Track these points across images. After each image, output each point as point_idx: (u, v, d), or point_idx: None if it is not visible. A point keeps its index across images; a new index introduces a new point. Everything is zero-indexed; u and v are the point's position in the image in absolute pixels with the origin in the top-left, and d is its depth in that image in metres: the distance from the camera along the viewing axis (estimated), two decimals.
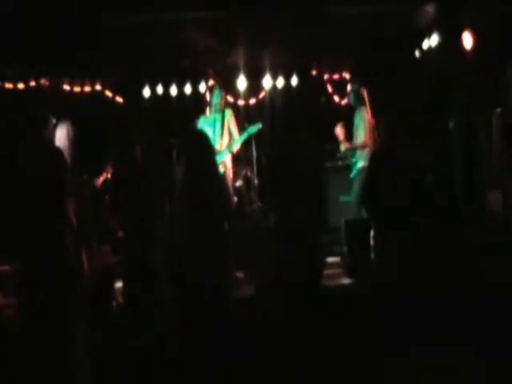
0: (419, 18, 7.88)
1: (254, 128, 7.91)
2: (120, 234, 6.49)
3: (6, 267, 6.53)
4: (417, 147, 7.74)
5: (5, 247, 6.32)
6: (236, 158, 8.24)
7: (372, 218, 5.97)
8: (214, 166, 5.57)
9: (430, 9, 7.62)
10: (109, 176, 6.68)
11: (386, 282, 5.41)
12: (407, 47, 8.49)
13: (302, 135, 5.68)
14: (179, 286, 5.39)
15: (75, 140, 6.40)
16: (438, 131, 8.04)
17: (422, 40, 8.17)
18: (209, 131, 7.29)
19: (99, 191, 6.80)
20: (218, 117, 7.89)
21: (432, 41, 7.98)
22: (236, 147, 7.90)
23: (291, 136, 5.78)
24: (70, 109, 7.76)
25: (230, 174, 7.87)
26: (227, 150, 7.78)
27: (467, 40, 7.23)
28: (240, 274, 7.11)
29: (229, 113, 7.97)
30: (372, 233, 6.07)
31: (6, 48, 7.45)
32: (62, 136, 6.32)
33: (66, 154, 6.22)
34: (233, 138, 7.90)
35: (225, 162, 7.75)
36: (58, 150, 5.38)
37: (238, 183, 8.22)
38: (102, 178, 6.74)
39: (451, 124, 8.13)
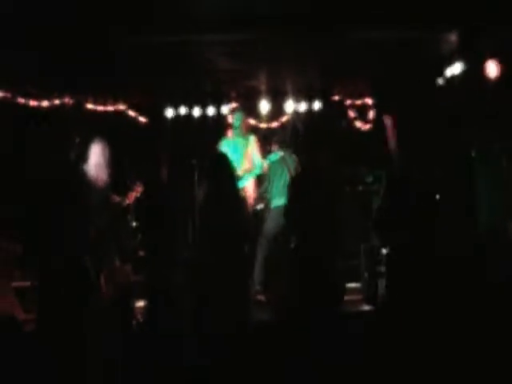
0: (442, 46, 7.87)
1: (275, 156, 7.95)
2: (141, 253, 6.55)
3: (27, 283, 6.57)
4: (437, 174, 7.79)
5: (26, 262, 6.39)
6: (258, 182, 8.25)
7: (384, 244, 5.95)
8: (235, 189, 5.61)
9: (453, 36, 7.62)
10: (138, 195, 6.72)
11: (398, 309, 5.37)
12: (430, 74, 8.49)
13: (322, 159, 5.70)
14: (200, 306, 5.39)
15: (109, 159, 6.49)
16: (459, 158, 8.01)
17: (445, 67, 8.17)
18: (231, 154, 7.34)
19: (124, 210, 6.84)
20: (241, 141, 7.95)
21: (455, 68, 7.98)
22: (258, 172, 7.95)
23: (312, 160, 5.81)
24: (94, 127, 7.86)
25: (251, 198, 7.89)
26: (249, 175, 7.81)
27: (491, 68, 7.23)
28: (261, 297, 7.11)
29: (253, 139, 8.03)
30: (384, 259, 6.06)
31: (30, 65, 7.57)
32: (96, 154, 6.41)
33: (100, 172, 6.34)
34: (254, 163, 7.94)
35: (246, 187, 7.78)
36: (83, 169, 5.44)
37: (260, 206, 8.22)
38: (132, 197, 6.78)
39: (473, 151, 8.11)
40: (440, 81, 8.44)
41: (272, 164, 7.99)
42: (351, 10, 6.64)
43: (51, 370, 4.90)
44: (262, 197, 8.17)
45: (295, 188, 5.79)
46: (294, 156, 8.05)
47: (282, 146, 8.15)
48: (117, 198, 6.75)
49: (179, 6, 6.62)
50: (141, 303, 6.32)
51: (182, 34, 7.25)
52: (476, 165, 8.00)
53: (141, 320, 6.32)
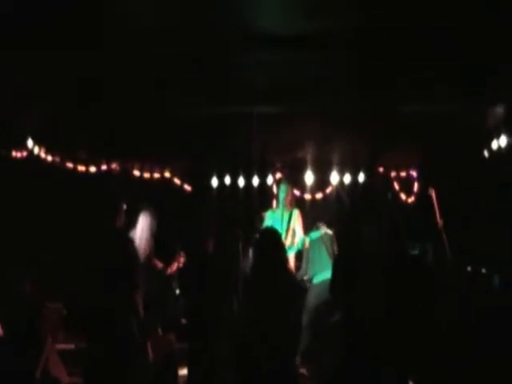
0: (488, 118, 7.88)
1: (316, 234, 7.97)
2: (184, 321, 6.52)
3: (72, 346, 6.58)
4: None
5: (72, 326, 6.42)
6: (298, 256, 8.23)
7: None
8: (284, 260, 5.60)
9: (499, 109, 7.62)
10: (180, 264, 6.75)
11: None
12: (476, 147, 8.48)
13: (368, 233, 5.69)
14: (244, 379, 5.31)
15: (154, 227, 6.57)
16: (506, 233, 7.89)
17: (491, 140, 8.15)
18: (276, 226, 7.37)
19: (168, 278, 6.85)
20: (285, 214, 7.97)
21: (501, 141, 7.96)
22: (300, 248, 7.96)
23: (358, 234, 5.80)
24: (140, 194, 7.97)
25: (293, 270, 7.86)
26: (290, 249, 7.80)
27: None
28: (303, 371, 6.99)
29: (296, 213, 8.06)
30: None
31: (81, 131, 7.76)
32: (144, 223, 6.49)
33: (146, 242, 6.41)
34: (296, 238, 7.95)
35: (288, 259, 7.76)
36: (129, 239, 5.50)
37: (305, 277, 8.21)
38: (174, 266, 6.80)
39: None
40: (486, 153, 8.42)
41: (313, 241, 8.00)
42: (401, 83, 6.70)
43: None
44: (302, 273, 8.18)
45: (341, 263, 5.77)
46: (329, 232, 8.09)
47: (322, 223, 8.19)
48: (160, 265, 6.78)
49: (230, 77, 6.77)
50: (184, 371, 6.26)
51: (231, 105, 7.39)
52: None
53: None
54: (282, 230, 7.78)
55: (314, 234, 7.99)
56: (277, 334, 5.20)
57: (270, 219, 7.96)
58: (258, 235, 5.87)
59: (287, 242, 7.84)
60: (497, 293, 7.62)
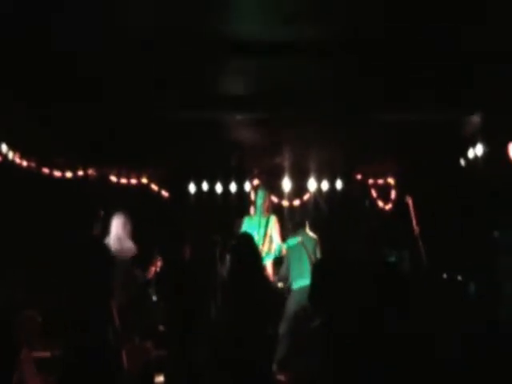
0: (465, 127, 7.94)
1: (294, 241, 7.95)
2: (161, 328, 6.49)
3: (47, 353, 6.51)
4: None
5: (48, 333, 6.35)
6: (275, 264, 8.22)
7: None
8: (261, 267, 5.61)
9: (475, 118, 7.69)
10: (158, 268, 6.72)
11: None
12: (452, 155, 8.54)
13: (346, 240, 5.72)
14: None
15: (131, 232, 6.57)
16: (482, 241, 7.95)
17: (468, 149, 8.22)
18: (252, 234, 7.37)
19: (145, 284, 6.82)
20: (263, 221, 7.94)
21: (477, 150, 8.02)
22: (277, 255, 7.93)
23: (336, 241, 5.83)
24: (116, 200, 7.93)
25: (270, 277, 7.84)
26: (267, 256, 7.78)
27: None
28: (281, 377, 6.99)
29: (273, 219, 8.02)
30: None
31: (56, 136, 7.70)
32: (118, 227, 6.50)
33: (121, 244, 6.40)
34: (274, 243, 7.94)
35: (265, 266, 7.74)
36: (105, 246, 5.47)
37: (280, 285, 8.20)
38: (152, 271, 6.78)
39: (496, 233, 8.05)
40: (462, 162, 8.48)
41: (291, 248, 7.99)
42: (376, 93, 6.74)
43: None
44: (280, 279, 8.18)
45: (320, 270, 5.77)
46: (313, 236, 8.07)
47: (301, 228, 8.18)
48: (138, 273, 6.75)
49: (206, 84, 6.77)
50: (161, 378, 6.22)
51: (207, 111, 7.39)
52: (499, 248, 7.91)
53: None
54: (259, 236, 7.78)
55: (292, 241, 7.96)
56: (253, 340, 5.19)
57: (247, 225, 7.94)
58: (234, 241, 5.86)
59: (264, 249, 7.82)
60: (472, 300, 7.68)
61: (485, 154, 7.89)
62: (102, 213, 6.73)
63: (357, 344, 5.16)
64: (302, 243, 7.93)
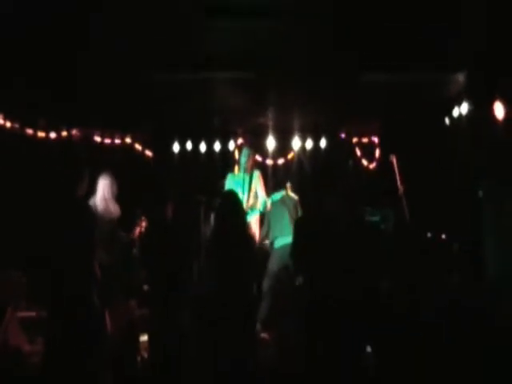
0: (450, 86, 7.92)
1: (278, 196, 7.95)
2: (146, 287, 6.51)
3: (33, 313, 6.53)
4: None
5: (32, 293, 6.37)
6: (261, 219, 8.23)
7: None
8: (245, 226, 5.61)
9: (460, 77, 7.66)
10: (142, 229, 6.72)
11: None
12: (437, 114, 8.53)
13: (329, 199, 5.71)
14: (205, 344, 5.34)
15: (115, 193, 6.55)
16: (466, 200, 7.98)
17: (453, 108, 8.21)
18: (237, 190, 7.35)
19: (129, 244, 6.82)
20: (246, 177, 7.93)
21: (462, 109, 8.02)
22: (262, 210, 7.93)
23: (318, 199, 5.81)
24: (101, 160, 7.88)
25: (255, 235, 7.85)
26: (252, 211, 7.79)
27: (498, 109, 7.23)
28: (265, 335, 7.05)
29: (257, 175, 8.00)
30: None
31: (40, 97, 7.62)
32: (104, 188, 6.48)
33: (106, 206, 6.40)
34: (258, 199, 7.93)
35: (250, 223, 7.74)
36: (89, 206, 5.46)
37: (266, 242, 8.22)
38: (136, 231, 6.77)
39: (480, 193, 8.08)
40: (447, 121, 8.48)
41: (274, 203, 8.00)
42: (361, 53, 6.69)
43: None
44: (264, 236, 8.19)
45: (302, 228, 5.77)
46: (293, 196, 8.08)
47: (284, 185, 8.19)
48: (122, 233, 6.74)
49: (190, 44, 6.69)
50: (145, 337, 6.27)
51: (191, 71, 7.32)
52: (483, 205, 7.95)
53: (145, 355, 6.27)
54: (243, 192, 7.77)
55: (276, 196, 7.95)
56: (237, 299, 5.22)
57: (231, 182, 7.92)
58: (216, 198, 5.85)
59: (249, 204, 7.83)
60: (455, 258, 7.73)
61: (469, 112, 7.90)
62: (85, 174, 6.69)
63: (339, 303, 5.21)
64: (284, 202, 7.95)
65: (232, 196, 5.80)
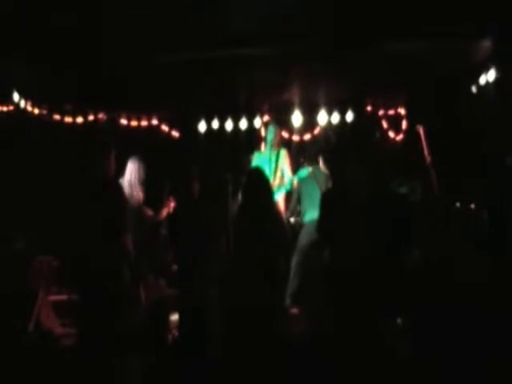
0: (476, 53, 7.80)
1: (304, 172, 7.91)
2: (175, 267, 6.57)
3: (64, 296, 6.64)
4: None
5: (63, 276, 6.47)
6: (288, 197, 8.23)
7: None
8: (272, 203, 5.63)
9: (487, 43, 7.54)
10: (171, 210, 6.77)
11: None
12: (464, 83, 8.41)
13: (355, 171, 5.70)
14: (233, 322, 5.39)
15: (143, 174, 6.60)
16: (495, 169, 7.89)
17: (479, 75, 8.09)
18: (264, 168, 7.36)
19: (157, 225, 6.88)
20: (273, 155, 7.93)
21: (489, 76, 7.90)
22: (288, 188, 7.93)
23: (344, 173, 5.80)
24: (128, 142, 7.94)
25: (282, 212, 7.86)
26: (279, 190, 7.79)
27: None
28: (295, 310, 7.08)
29: (283, 153, 8.01)
30: None
31: (66, 82, 7.70)
32: (131, 172, 6.54)
33: (135, 188, 6.46)
34: (285, 177, 7.93)
35: (277, 201, 7.75)
36: (119, 187, 5.51)
37: (293, 219, 8.23)
38: (164, 212, 6.83)
39: (509, 160, 7.98)
40: (474, 89, 8.36)
41: (302, 180, 7.97)
42: (385, 23, 6.62)
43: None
44: (292, 212, 8.19)
45: (328, 202, 5.77)
46: (324, 170, 8.04)
47: (312, 160, 8.14)
48: (150, 213, 6.80)
49: (212, 21, 6.69)
50: (175, 317, 6.33)
51: (214, 49, 7.31)
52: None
53: (176, 334, 6.35)
54: (270, 170, 7.78)
55: (303, 173, 7.93)
56: (265, 275, 5.26)
57: (258, 161, 7.94)
58: (244, 176, 5.88)
59: (276, 183, 7.84)
60: (485, 228, 7.66)
61: (496, 79, 7.78)
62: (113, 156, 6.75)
63: (365, 278, 5.22)
64: (314, 176, 7.91)
65: (258, 172, 5.82)
